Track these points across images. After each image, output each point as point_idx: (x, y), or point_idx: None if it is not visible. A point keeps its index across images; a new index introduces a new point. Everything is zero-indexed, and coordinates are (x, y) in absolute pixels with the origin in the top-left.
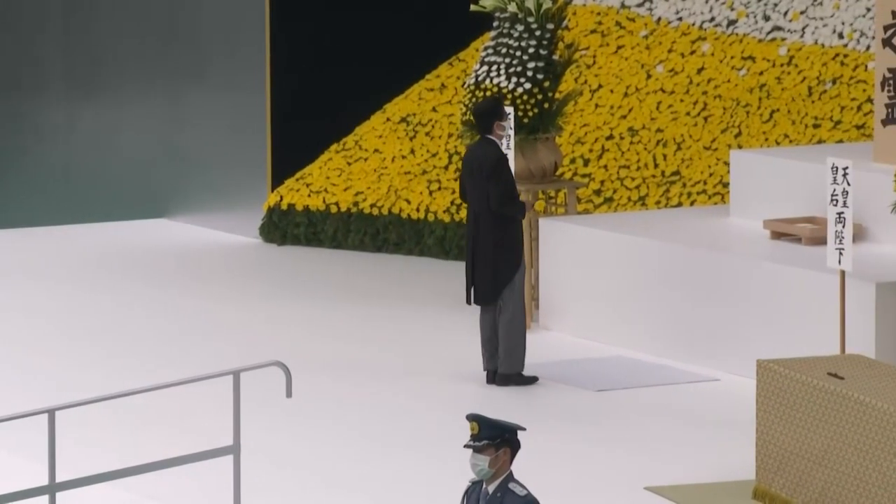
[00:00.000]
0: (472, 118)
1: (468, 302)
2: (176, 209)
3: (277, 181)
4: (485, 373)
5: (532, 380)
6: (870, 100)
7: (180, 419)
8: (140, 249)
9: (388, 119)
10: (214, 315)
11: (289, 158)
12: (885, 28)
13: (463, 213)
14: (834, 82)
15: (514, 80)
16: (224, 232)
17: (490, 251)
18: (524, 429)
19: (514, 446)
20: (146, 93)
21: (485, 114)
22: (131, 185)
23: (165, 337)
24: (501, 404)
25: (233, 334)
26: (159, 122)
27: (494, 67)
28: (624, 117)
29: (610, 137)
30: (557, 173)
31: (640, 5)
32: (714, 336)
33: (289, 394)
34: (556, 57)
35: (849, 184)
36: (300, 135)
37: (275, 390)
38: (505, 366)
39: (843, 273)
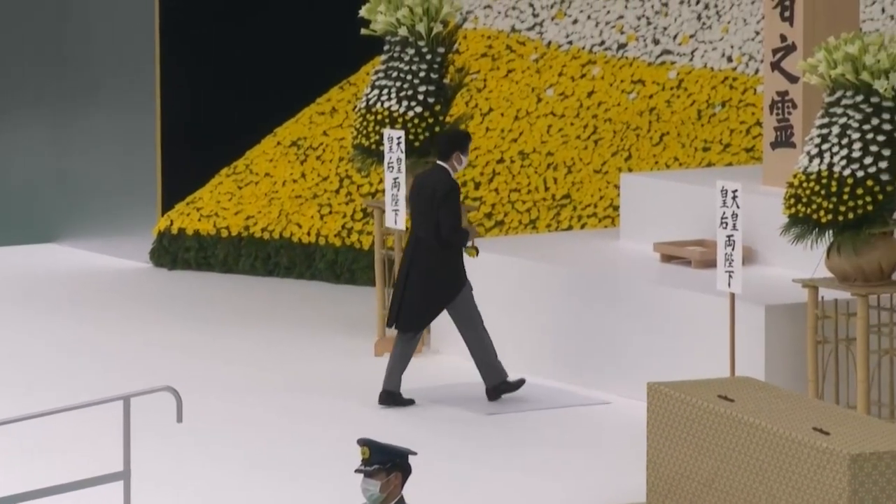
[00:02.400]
0: (363, 141)
1: (388, 324)
2: (65, 234)
3: (168, 205)
4: (379, 394)
5: (520, 383)
6: (759, 123)
7: (70, 445)
8: (29, 274)
9: (278, 143)
10: (104, 340)
11: (179, 182)
12: (774, 52)
13: (354, 238)
14: (723, 105)
15: (405, 103)
16: (114, 257)
17: (423, 278)
18: (415, 453)
19: (405, 471)
20: (34, 116)
21: (450, 140)
22: (19, 209)
23: (55, 362)
24: (392, 429)
25: (123, 359)
26: (48, 145)
27: (385, 91)
28: (515, 141)
29: (501, 161)
30: None
31: (530, 29)
32: (605, 359)
33: (179, 418)
34: (446, 81)
35: (738, 207)
36: (190, 159)
37: (165, 415)
38: (490, 379)
39: (732, 296)
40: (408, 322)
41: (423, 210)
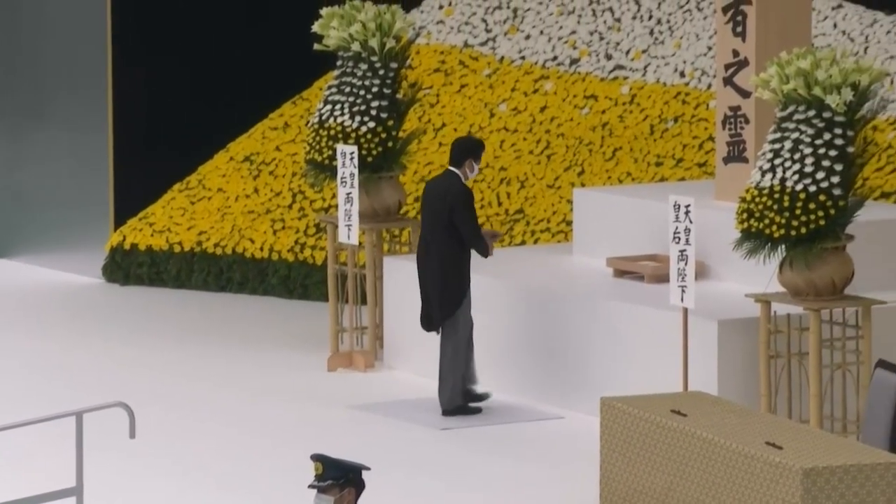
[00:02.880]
0: (316, 156)
1: (425, 328)
2: (16, 249)
3: (120, 221)
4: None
5: (478, 406)
6: (711, 138)
7: (22, 461)
8: None
9: (231, 158)
10: (56, 356)
11: (131, 198)
12: (727, 67)
13: (307, 253)
14: (676, 121)
15: (357, 118)
16: (66, 272)
17: (438, 279)
18: (368, 468)
19: (359, 486)
20: None
21: (464, 147)
22: None
23: (6, 378)
24: (346, 444)
25: (75, 375)
26: None
27: (338, 106)
28: None
29: None
30: (401, 212)
31: (483, 44)
32: (559, 374)
33: (132, 434)
34: (399, 96)
35: (691, 221)
36: (143, 174)
37: (118, 431)
38: (446, 401)
39: (685, 310)
40: (429, 321)
41: (434, 211)
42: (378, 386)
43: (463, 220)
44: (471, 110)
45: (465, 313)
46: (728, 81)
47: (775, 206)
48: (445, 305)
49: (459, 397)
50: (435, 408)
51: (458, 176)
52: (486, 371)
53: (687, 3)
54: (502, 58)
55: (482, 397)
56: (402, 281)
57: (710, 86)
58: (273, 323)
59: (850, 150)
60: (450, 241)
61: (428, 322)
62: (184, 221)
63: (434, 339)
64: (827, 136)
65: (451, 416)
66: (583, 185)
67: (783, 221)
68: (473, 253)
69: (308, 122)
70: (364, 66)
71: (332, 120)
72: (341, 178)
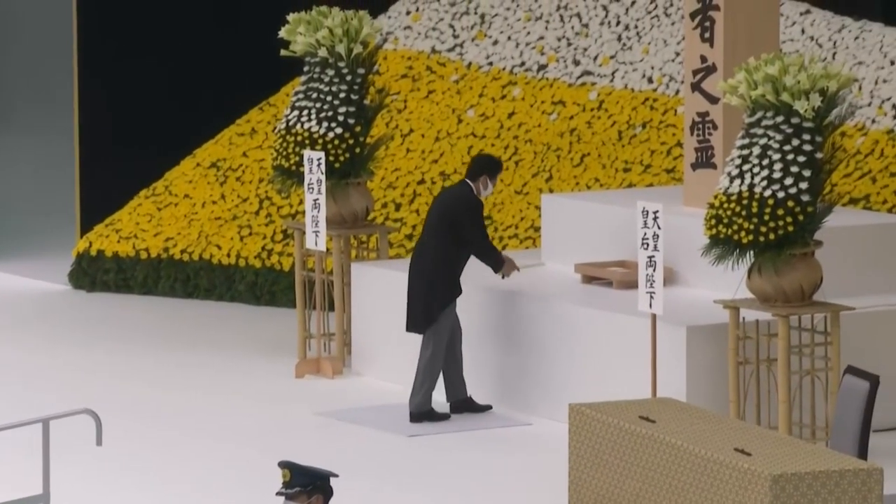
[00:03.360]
0: (283, 162)
1: (408, 329)
2: None
3: (86, 227)
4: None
5: (445, 416)
6: (679, 144)
7: None
8: None
9: (198, 164)
10: (23, 362)
11: (98, 204)
12: (695, 73)
13: (274, 259)
14: (644, 126)
15: (325, 124)
16: (32, 279)
17: (427, 280)
18: (336, 475)
19: (327, 493)
20: None
21: (482, 163)
22: None
23: None
24: (313, 451)
25: (42, 382)
26: None
27: (305, 112)
28: (435, 162)
29: (421, 182)
30: (369, 218)
31: (450, 50)
32: (527, 380)
33: (99, 441)
34: (367, 102)
35: (659, 227)
36: (109, 180)
37: (85, 438)
38: (415, 405)
39: (654, 316)
40: (413, 323)
41: (438, 214)
42: (346, 392)
43: (468, 228)
44: (438, 116)
45: (450, 319)
46: (696, 87)
47: (744, 212)
48: (430, 307)
49: (429, 403)
50: (403, 414)
51: (470, 187)
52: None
53: (655, 8)
54: (470, 63)
55: (484, 409)
56: (369, 287)
57: (678, 91)
58: (240, 330)
59: (819, 155)
60: (446, 245)
61: (413, 323)
62: (150, 228)
63: (402, 345)
64: (795, 141)
65: (418, 421)
66: (551, 191)
67: (752, 227)
68: (478, 266)
69: (275, 127)
70: (331, 72)
71: (299, 126)
72: (308, 184)
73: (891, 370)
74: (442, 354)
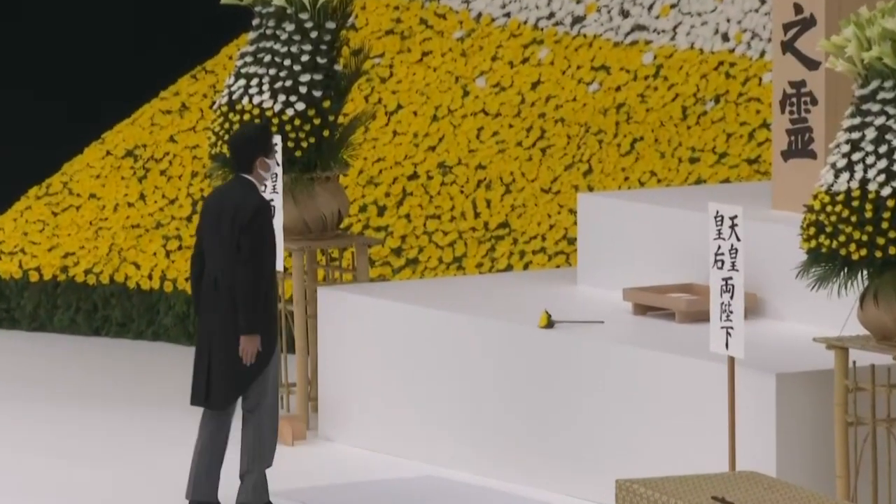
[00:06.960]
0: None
1: (193, 401)
2: None
3: None
4: None
5: None
6: (766, 125)
7: None
8: None
9: (108, 153)
10: None
11: None
12: (786, 28)
13: None
14: (717, 101)
15: (281, 98)
16: None
17: (233, 334)
18: None
19: None
20: None
21: (243, 145)
22: None
23: None
24: None
25: None
26: None
27: (255, 81)
28: (433, 149)
29: (414, 177)
30: (342, 226)
31: None
32: (556, 448)
33: None
34: (338, 67)
35: (738, 239)
36: None
37: None
38: (249, 494)
39: (731, 360)
40: (218, 397)
41: (221, 241)
42: (311, 464)
43: (250, 236)
44: (436, 87)
45: (275, 371)
46: (788, 47)
47: (854, 218)
48: (246, 367)
49: (266, 492)
50: (386, 493)
51: (252, 185)
52: (450, 442)
53: None
54: (479, 15)
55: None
56: (343, 320)
57: (763, 53)
58: (165, 378)
59: None
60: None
61: (209, 396)
62: (43, 240)
63: (388, 401)
64: None
65: None
66: (590, 188)
67: (865, 239)
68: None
69: (214, 103)
70: (290, 27)
71: (246, 100)
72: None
73: None
74: (275, 421)
